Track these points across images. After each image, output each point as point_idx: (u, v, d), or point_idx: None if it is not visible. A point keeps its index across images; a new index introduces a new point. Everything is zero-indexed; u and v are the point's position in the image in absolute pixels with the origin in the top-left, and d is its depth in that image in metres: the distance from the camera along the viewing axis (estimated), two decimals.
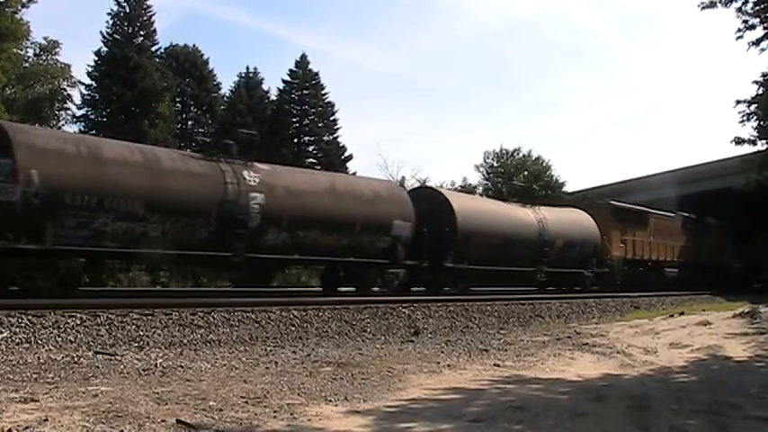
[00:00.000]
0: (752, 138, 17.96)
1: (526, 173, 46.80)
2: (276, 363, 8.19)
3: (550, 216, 22.36)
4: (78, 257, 12.14)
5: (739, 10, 14.84)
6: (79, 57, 73.47)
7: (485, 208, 20.82)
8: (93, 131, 32.54)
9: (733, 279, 33.13)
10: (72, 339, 8.90)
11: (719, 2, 14.71)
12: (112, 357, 8.02)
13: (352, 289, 16.68)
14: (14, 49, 30.26)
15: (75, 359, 7.75)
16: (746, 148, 18.74)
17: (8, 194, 11.06)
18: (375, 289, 16.71)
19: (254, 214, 13.93)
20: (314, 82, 41.82)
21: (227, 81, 45.46)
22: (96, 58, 34.87)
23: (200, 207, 13.26)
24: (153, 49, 37.00)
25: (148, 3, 35.70)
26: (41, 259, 11.31)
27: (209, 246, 13.34)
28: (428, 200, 18.56)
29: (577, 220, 23.83)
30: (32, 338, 8.67)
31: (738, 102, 17.41)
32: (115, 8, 35.20)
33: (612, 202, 26.92)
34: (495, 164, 49.59)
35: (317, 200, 15.28)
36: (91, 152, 12.29)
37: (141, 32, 35.95)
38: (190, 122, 42.08)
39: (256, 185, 14.13)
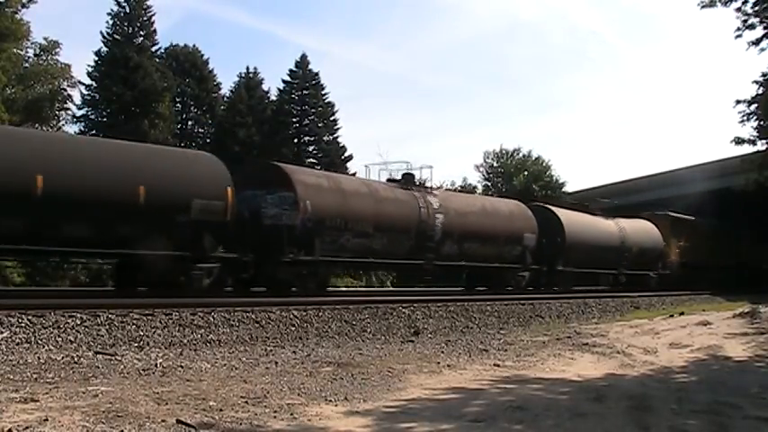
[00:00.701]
0: (752, 138, 17.94)
1: (526, 173, 46.79)
2: (276, 363, 8.19)
3: (628, 226, 26.61)
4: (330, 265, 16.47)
5: (739, 9, 14.83)
6: (79, 57, 73.47)
7: (582, 221, 24.40)
8: (94, 132, 32.57)
9: (752, 278, 33.75)
10: (72, 339, 8.90)
11: (719, 1, 14.70)
12: (112, 357, 8.02)
13: (485, 288, 20.38)
14: (14, 49, 30.22)
15: (76, 359, 7.75)
16: (747, 148, 18.73)
17: (292, 220, 14.64)
18: (509, 288, 20.21)
19: (437, 230, 18.04)
20: (314, 82, 41.82)
21: (227, 81, 45.42)
22: (96, 58, 34.90)
23: (405, 225, 17.29)
24: (153, 49, 37.02)
25: (148, 3, 35.71)
26: (310, 267, 15.00)
27: (409, 256, 17.45)
28: (542, 214, 22.42)
29: (645, 229, 27.99)
30: (32, 338, 8.66)
31: (738, 102, 17.38)
32: (115, 8, 35.23)
33: (671, 214, 30.36)
34: (495, 164, 49.57)
35: (475, 218, 19.53)
36: (336, 186, 16.40)
37: (141, 32, 35.95)
38: (190, 122, 42.07)
39: (438, 208, 18.23)
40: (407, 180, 18.77)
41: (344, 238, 15.65)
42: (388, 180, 19.06)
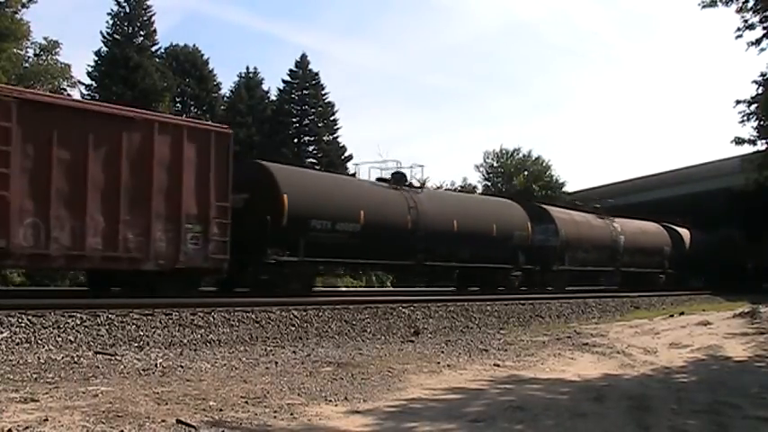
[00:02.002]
0: (752, 138, 17.96)
1: (526, 173, 46.80)
2: (276, 363, 8.19)
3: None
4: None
5: (739, 9, 14.82)
6: (79, 57, 73.49)
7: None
8: None
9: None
10: (72, 339, 8.90)
11: (720, 1, 14.70)
12: (112, 357, 8.02)
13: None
14: (14, 49, 30.21)
15: (76, 359, 7.75)
16: (746, 148, 18.75)
17: (555, 242, 22.20)
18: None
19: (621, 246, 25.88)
20: (314, 82, 41.82)
21: (227, 81, 45.47)
22: (96, 58, 34.91)
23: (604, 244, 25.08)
24: (153, 49, 37.02)
25: (148, 3, 35.71)
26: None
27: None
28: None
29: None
30: (32, 338, 8.66)
31: (738, 102, 17.41)
32: (115, 8, 35.22)
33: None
34: (495, 164, 49.57)
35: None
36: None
37: (141, 32, 35.95)
38: None
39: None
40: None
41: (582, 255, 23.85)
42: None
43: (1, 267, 12.67)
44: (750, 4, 14.69)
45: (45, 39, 33.01)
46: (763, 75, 16.62)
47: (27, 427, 4.49)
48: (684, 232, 30.84)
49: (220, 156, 12.88)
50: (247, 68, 43.15)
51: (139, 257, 11.74)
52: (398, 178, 18.30)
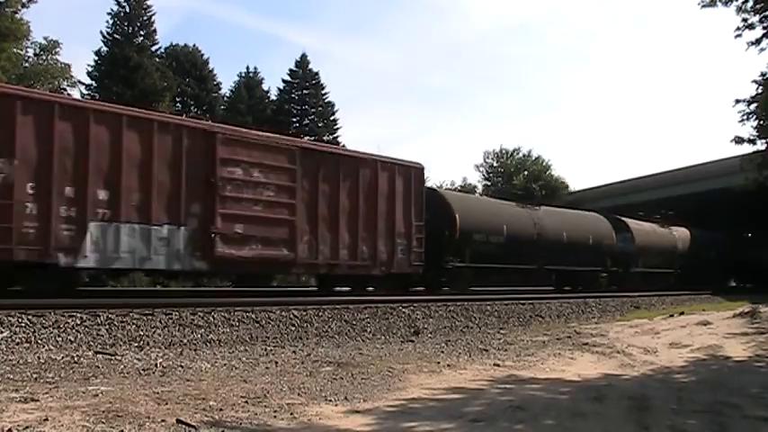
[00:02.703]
0: (752, 137, 17.97)
1: (526, 173, 46.83)
2: (276, 362, 8.19)
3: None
4: None
5: (739, 9, 14.83)
6: (79, 56, 73.50)
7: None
8: None
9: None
10: (72, 339, 8.90)
11: (720, 1, 14.70)
12: (112, 357, 8.02)
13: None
14: (14, 49, 30.21)
15: (76, 359, 7.76)
16: (746, 148, 18.76)
17: (632, 248, 25.98)
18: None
19: (679, 250, 29.54)
20: (314, 82, 41.85)
21: (227, 81, 45.49)
22: (96, 58, 34.93)
23: (667, 249, 28.62)
24: (153, 48, 37.04)
25: (148, 2, 35.72)
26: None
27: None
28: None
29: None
30: (32, 338, 8.67)
31: (738, 101, 17.44)
32: (115, 8, 35.23)
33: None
34: (495, 164, 49.65)
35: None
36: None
37: (141, 32, 35.98)
38: None
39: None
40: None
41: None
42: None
43: (289, 272, 16.41)
44: (750, 4, 14.71)
45: (45, 38, 33.06)
46: (763, 74, 16.64)
47: (27, 427, 4.49)
48: (715, 235, 32.94)
49: (418, 186, 16.93)
50: (247, 68, 43.25)
51: (370, 265, 15.61)
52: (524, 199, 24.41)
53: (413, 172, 16.84)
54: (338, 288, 16.26)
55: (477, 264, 18.90)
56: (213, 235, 12.83)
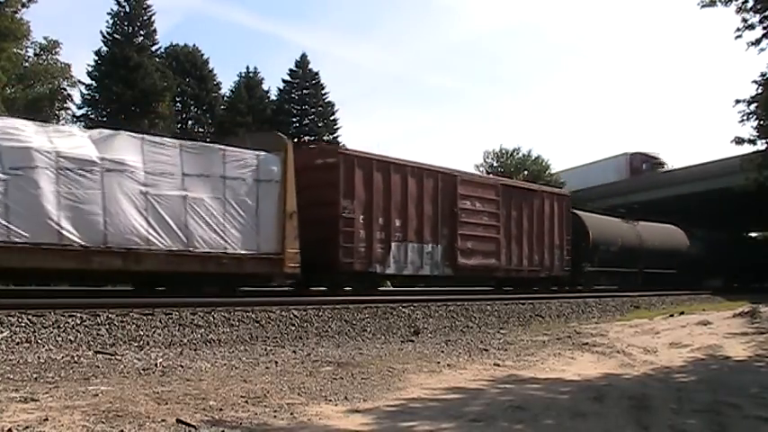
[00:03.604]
0: (752, 137, 17.93)
1: (526, 172, 46.82)
2: (276, 362, 8.19)
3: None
4: None
5: (739, 9, 14.81)
6: (79, 56, 73.47)
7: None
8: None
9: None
10: (72, 339, 8.89)
11: (719, 0, 14.68)
12: (112, 357, 8.02)
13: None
14: (14, 49, 30.25)
15: (76, 359, 7.75)
16: (747, 148, 18.72)
17: (702, 254, 29.69)
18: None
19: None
20: (314, 82, 41.86)
21: (227, 81, 45.47)
22: (96, 58, 34.93)
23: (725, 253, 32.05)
24: (153, 48, 37.05)
25: (148, 2, 35.73)
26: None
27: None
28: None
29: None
30: (32, 338, 8.66)
31: (738, 101, 17.38)
32: (115, 8, 35.24)
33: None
34: (495, 163, 49.63)
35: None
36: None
37: (141, 32, 36.00)
38: (190, 122, 42.09)
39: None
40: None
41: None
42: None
43: (494, 276, 20.22)
44: (749, 5, 14.69)
45: (45, 38, 33.11)
46: (762, 74, 16.60)
47: (27, 427, 4.49)
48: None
49: (567, 209, 22.10)
50: (247, 68, 43.20)
51: (539, 270, 20.57)
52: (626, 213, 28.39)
53: (564, 199, 22.51)
54: (506, 288, 20.20)
55: (602, 267, 24.36)
56: (456, 250, 17.46)
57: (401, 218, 16.03)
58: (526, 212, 19.99)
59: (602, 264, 24.24)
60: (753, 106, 17.18)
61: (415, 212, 16.41)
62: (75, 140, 11.17)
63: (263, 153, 13.33)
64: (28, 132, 10.61)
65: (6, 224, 9.91)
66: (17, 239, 9.97)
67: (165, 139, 13.10)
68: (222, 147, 13.36)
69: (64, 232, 10.45)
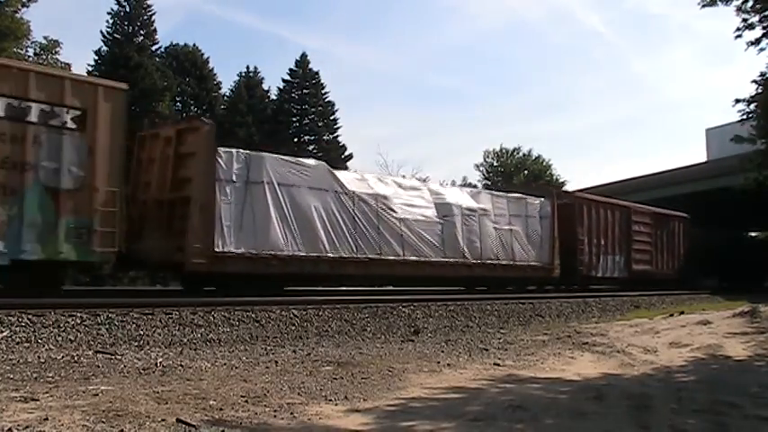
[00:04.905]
0: (752, 137, 17.92)
1: (526, 172, 46.86)
2: (276, 362, 8.19)
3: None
4: None
5: (739, 9, 14.80)
6: (80, 56, 73.47)
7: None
8: None
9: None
10: (72, 338, 8.90)
11: (720, 0, 14.66)
12: (113, 356, 8.02)
13: None
14: (14, 49, 30.21)
15: (76, 358, 7.75)
16: (746, 148, 18.70)
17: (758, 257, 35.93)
18: None
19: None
20: (314, 81, 41.85)
21: (227, 80, 45.48)
22: (96, 58, 34.92)
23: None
24: (153, 48, 37.04)
25: (148, 2, 35.72)
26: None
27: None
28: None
29: None
30: (33, 338, 8.66)
31: (737, 101, 17.37)
32: (115, 7, 35.23)
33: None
34: (495, 163, 49.69)
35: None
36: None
37: (141, 32, 35.99)
38: None
39: None
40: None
41: None
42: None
43: (652, 280, 26.14)
44: (749, 4, 14.67)
45: (45, 38, 33.05)
46: (762, 74, 16.59)
47: (27, 427, 4.49)
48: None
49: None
50: (247, 68, 43.22)
51: (672, 273, 27.21)
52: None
53: (684, 220, 29.09)
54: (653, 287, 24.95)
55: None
56: (631, 260, 24.75)
57: (604, 238, 23.43)
58: (666, 232, 27.59)
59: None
60: (752, 106, 17.17)
61: (610, 234, 23.79)
62: (466, 196, 18.84)
63: (542, 198, 20.87)
64: (448, 193, 18.65)
65: (443, 250, 16.96)
66: (442, 258, 16.99)
67: (500, 192, 20.67)
68: (523, 196, 20.56)
69: (465, 254, 17.57)
